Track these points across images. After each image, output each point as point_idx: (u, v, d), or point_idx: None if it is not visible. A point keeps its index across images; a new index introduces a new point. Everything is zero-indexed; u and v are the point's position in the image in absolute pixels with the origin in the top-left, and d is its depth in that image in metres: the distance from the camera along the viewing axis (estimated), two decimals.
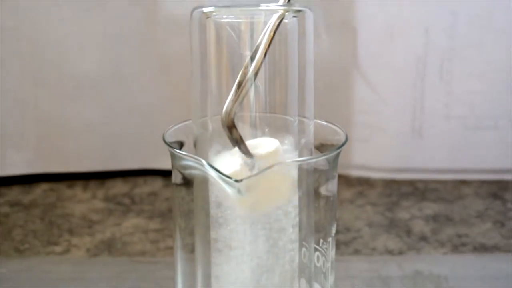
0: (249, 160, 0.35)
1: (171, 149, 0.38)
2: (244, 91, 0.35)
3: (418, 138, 0.78)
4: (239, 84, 0.35)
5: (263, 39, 0.35)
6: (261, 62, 0.35)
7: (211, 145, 0.38)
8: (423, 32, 0.74)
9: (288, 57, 0.37)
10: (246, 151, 0.35)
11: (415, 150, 0.78)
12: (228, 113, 0.35)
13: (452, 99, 0.76)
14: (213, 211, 0.37)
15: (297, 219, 0.38)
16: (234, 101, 0.35)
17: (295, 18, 0.37)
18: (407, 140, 0.78)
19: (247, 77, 0.35)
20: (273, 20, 0.35)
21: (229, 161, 0.36)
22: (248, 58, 0.36)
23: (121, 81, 0.76)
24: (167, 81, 0.76)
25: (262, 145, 0.36)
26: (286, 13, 0.36)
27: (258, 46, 0.35)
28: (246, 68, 0.35)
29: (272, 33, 0.35)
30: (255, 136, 0.37)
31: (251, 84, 0.35)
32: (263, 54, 0.35)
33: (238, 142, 0.35)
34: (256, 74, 0.35)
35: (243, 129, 0.36)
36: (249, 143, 0.36)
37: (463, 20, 0.73)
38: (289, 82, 0.37)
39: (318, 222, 0.40)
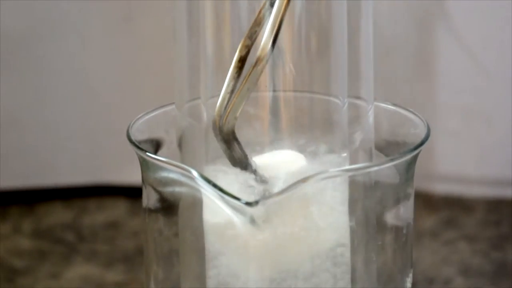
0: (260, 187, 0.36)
1: (140, 153, 0.38)
2: (252, 80, 0.35)
3: None
4: (240, 62, 0.35)
5: None
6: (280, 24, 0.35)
7: (206, 145, 0.38)
8: None
9: (332, 6, 0.37)
10: (254, 173, 0.36)
11: None
12: (223, 118, 0.35)
13: None
14: (210, 251, 0.37)
15: (349, 265, 0.38)
16: (233, 99, 0.35)
17: None
18: None
19: (263, 55, 0.35)
20: None
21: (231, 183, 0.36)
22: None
23: (55, 46, 0.77)
24: (131, 44, 0.77)
25: (279, 164, 0.37)
26: None
27: None
28: (250, 37, 0.35)
29: None
30: (276, 131, 0.37)
31: (265, 65, 0.35)
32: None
33: (240, 161, 0.36)
34: (274, 43, 0.35)
35: (257, 120, 0.37)
36: (259, 160, 0.37)
37: None
38: (333, 45, 0.37)
39: (382, 270, 0.40)
